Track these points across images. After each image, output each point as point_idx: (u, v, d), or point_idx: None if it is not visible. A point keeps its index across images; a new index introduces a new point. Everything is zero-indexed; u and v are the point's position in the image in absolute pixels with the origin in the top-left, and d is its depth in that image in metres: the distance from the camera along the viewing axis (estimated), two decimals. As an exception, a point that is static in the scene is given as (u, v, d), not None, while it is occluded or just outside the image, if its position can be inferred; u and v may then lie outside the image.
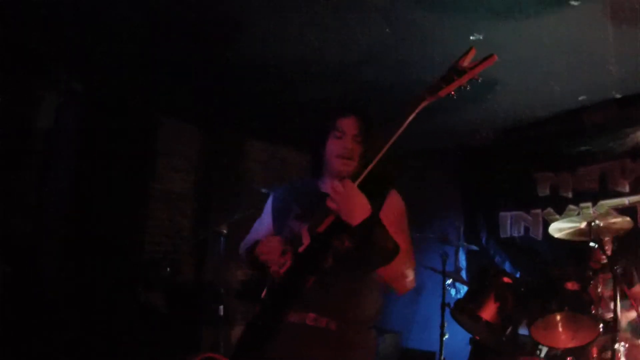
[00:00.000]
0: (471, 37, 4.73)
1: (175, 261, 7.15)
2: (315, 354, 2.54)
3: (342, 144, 2.71)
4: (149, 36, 5.16)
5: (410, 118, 2.37)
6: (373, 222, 2.42)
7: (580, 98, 5.96)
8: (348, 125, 2.74)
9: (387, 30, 4.78)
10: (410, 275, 2.63)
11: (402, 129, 2.37)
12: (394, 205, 2.72)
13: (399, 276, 2.60)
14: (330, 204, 2.40)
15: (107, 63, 5.81)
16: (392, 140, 2.38)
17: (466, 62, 2.36)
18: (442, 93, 2.38)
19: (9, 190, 5.92)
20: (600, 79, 5.48)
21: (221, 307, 5.55)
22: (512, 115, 6.55)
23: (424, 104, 2.39)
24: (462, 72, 2.35)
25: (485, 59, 2.35)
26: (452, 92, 2.39)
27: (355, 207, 2.39)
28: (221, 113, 7.34)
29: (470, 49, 2.39)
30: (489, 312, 4.87)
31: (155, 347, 6.04)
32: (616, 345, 4.20)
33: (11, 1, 4.65)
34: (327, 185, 2.67)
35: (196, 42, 5.24)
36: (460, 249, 7.06)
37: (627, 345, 4.40)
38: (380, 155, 2.39)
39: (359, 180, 2.41)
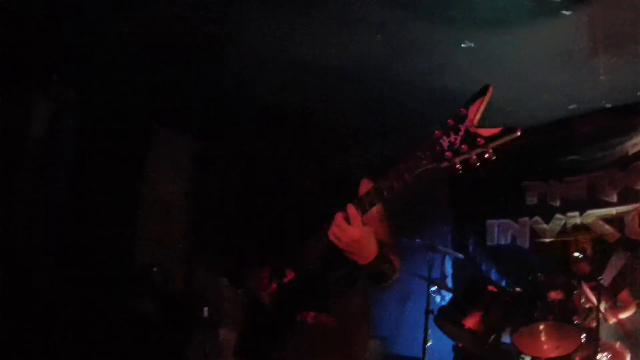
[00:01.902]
0: (462, 45, 4.74)
1: (165, 268, 7.13)
2: (321, 350, 2.62)
3: None
4: (143, 44, 5.16)
5: (406, 184, 2.08)
6: (381, 259, 2.37)
7: (570, 107, 5.96)
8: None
9: (379, 40, 4.79)
10: (395, 273, 2.56)
11: (393, 194, 2.15)
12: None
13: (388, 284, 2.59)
14: (334, 239, 2.28)
15: (102, 72, 5.80)
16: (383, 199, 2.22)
17: (477, 114, 1.92)
18: (445, 165, 1.98)
19: (3, 197, 5.90)
20: (591, 89, 5.48)
21: (205, 308, 5.53)
22: (502, 123, 6.53)
23: (420, 170, 2.05)
24: (473, 140, 1.89)
25: (508, 132, 1.85)
26: (459, 166, 1.96)
27: (362, 250, 2.30)
28: (213, 120, 7.33)
29: (486, 89, 1.95)
30: (472, 320, 4.87)
31: (144, 352, 6.03)
32: (598, 355, 4.20)
33: (7, 9, 4.63)
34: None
35: (190, 50, 5.25)
36: (447, 256, 7.05)
37: (609, 356, 4.40)
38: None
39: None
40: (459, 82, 5.34)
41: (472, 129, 1.89)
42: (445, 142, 1.94)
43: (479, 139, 1.86)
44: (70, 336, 5.74)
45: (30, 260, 5.99)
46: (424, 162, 2.01)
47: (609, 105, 5.87)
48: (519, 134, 1.83)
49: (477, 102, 1.92)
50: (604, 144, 6.02)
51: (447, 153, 1.93)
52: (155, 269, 6.77)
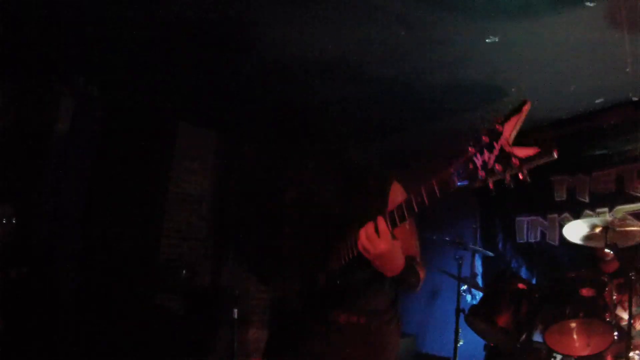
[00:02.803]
0: (487, 40, 4.69)
1: (191, 264, 7.17)
2: (352, 349, 2.62)
3: None
4: (165, 40, 5.18)
5: (437, 199, 2.05)
6: (407, 273, 2.44)
7: (597, 100, 5.89)
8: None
9: (403, 33, 4.75)
10: (420, 283, 2.62)
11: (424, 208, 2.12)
12: (398, 199, 2.54)
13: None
14: (363, 251, 2.31)
15: (124, 67, 5.84)
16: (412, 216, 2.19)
17: (514, 131, 1.79)
18: (479, 184, 1.90)
19: (26, 192, 5.95)
20: (617, 81, 5.40)
21: (235, 310, 5.55)
22: (528, 117, 6.45)
23: (452, 189, 1.99)
24: (508, 161, 1.78)
25: (545, 154, 1.73)
26: (492, 185, 1.86)
27: (392, 264, 2.36)
28: (238, 116, 7.34)
29: (523, 104, 1.80)
30: (503, 318, 4.81)
31: (171, 348, 6.07)
32: (631, 354, 4.13)
33: (29, 6, 4.68)
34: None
35: (212, 45, 5.26)
36: (477, 254, 7.01)
37: (642, 353, 4.33)
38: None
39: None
40: (484, 74, 5.32)
41: (508, 149, 1.77)
42: (478, 161, 1.85)
43: (514, 160, 1.75)
44: (94, 331, 5.79)
45: (53, 257, 6.05)
46: (456, 179, 1.94)
47: (635, 98, 5.78)
48: (556, 156, 1.71)
49: (513, 119, 1.78)
50: (632, 137, 5.92)
51: (480, 172, 1.84)
52: (180, 264, 6.82)
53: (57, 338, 5.69)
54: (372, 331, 2.65)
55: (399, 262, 2.36)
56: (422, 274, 2.59)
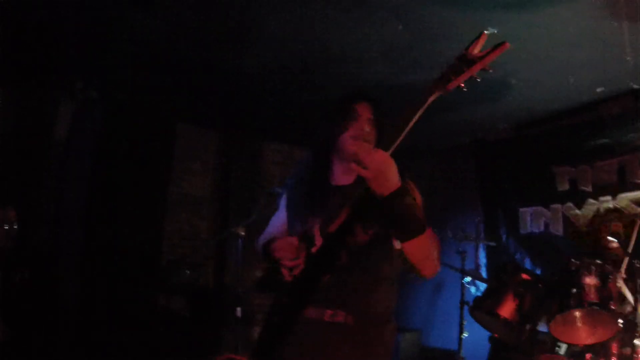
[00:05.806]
0: (485, 32, 4.67)
1: (194, 264, 7.18)
2: (334, 350, 2.52)
3: (358, 125, 2.63)
4: (164, 42, 5.18)
5: (419, 113, 2.23)
6: (406, 190, 2.30)
7: (598, 90, 5.87)
8: (362, 109, 2.68)
9: (400, 27, 4.75)
10: (436, 255, 2.45)
11: (410, 125, 2.24)
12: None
13: (427, 254, 2.43)
14: (361, 170, 2.23)
15: (123, 69, 5.85)
16: (401, 138, 2.26)
17: (476, 50, 2.19)
18: (452, 86, 2.23)
19: (28, 196, 5.97)
20: (617, 70, 5.38)
21: (239, 308, 5.54)
22: (529, 109, 6.49)
23: (432, 98, 2.25)
24: (472, 61, 2.18)
25: (498, 46, 2.15)
26: (462, 84, 2.23)
27: (389, 174, 2.24)
28: (238, 116, 7.35)
29: (481, 34, 2.21)
30: (507, 309, 4.80)
31: (175, 349, 6.07)
32: (636, 341, 4.12)
33: (28, 11, 4.69)
34: (350, 150, 2.59)
35: (211, 46, 5.27)
36: (480, 245, 7.00)
37: (648, 342, 4.31)
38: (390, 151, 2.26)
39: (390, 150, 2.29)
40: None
41: (469, 57, 2.21)
42: (451, 72, 2.25)
43: (475, 58, 2.20)
44: (98, 332, 5.80)
45: (55, 259, 6.06)
46: (434, 89, 2.27)
47: (636, 87, 5.77)
48: (508, 46, 2.16)
49: (474, 43, 2.23)
50: (633, 126, 5.89)
51: (452, 76, 2.23)
52: (183, 265, 6.82)
53: (61, 340, 5.70)
54: (359, 335, 2.53)
55: (395, 174, 2.25)
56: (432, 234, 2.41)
